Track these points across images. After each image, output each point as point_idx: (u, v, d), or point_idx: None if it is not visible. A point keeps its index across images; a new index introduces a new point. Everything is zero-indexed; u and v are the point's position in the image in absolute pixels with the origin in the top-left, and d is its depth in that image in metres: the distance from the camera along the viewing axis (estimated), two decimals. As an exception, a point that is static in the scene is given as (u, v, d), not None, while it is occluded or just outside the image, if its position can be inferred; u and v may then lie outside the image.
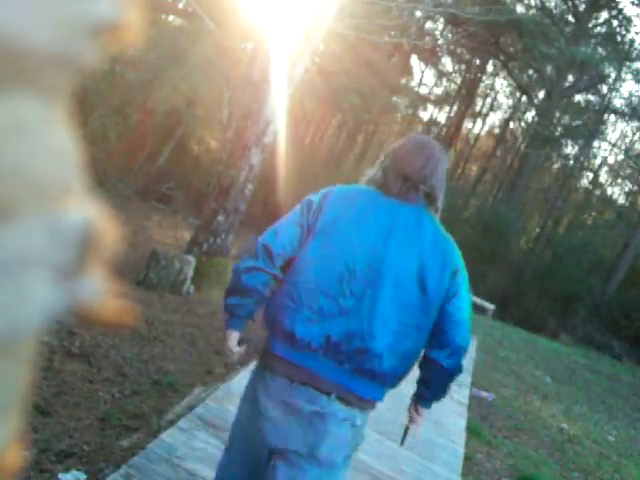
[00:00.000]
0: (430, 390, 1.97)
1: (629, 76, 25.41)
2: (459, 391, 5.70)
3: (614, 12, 23.18)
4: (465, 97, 28.26)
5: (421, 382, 1.99)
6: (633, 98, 25.34)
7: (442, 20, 23.71)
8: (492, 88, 30.87)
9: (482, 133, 32.20)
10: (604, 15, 23.69)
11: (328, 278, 1.76)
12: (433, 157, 1.90)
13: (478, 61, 27.25)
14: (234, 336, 1.90)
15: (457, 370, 1.90)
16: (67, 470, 2.80)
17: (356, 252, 1.77)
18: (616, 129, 31.98)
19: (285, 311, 1.77)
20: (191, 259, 6.74)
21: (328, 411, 1.76)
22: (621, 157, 29.59)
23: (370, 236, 1.79)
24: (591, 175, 29.48)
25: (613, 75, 24.87)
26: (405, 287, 1.78)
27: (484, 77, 29.06)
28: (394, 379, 1.86)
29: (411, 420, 2.06)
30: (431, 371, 1.92)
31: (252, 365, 4.03)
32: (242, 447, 1.89)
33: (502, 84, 30.57)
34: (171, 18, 15.01)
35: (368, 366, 1.77)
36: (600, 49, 22.87)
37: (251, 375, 1.92)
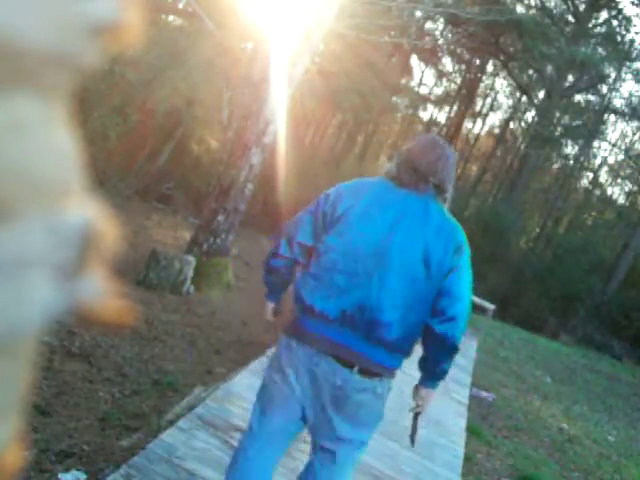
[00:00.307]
0: (429, 364, 2.13)
1: (629, 76, 25.41)
2: (459, 391, 5.70)
3: (614, 12, 23.17)
4: (465, 97, 28.26)
5: (421, 359, 2.16)
6: (633, 98, 25.34)
7: (442, 20, 23.71)
8: (492, 88, 30.88)
9: (482, 133, 32.22)
10: (604, 15, 23.69)
11: (344, 259, 2.01)
12: (443, 154, 2.12)
13: (478, 61, 27.25)
14: (270, 306, 2.32)
15: (450, 339, 2.03)
16: (67, 470, 2.80)
17: (368, 236, 2.02)
18: (616, 129, 31.96)
19: (307, 288, 2.05)
20: (191, 259, 6.74)
21: (350, 384, 2.00)
22: (621, 157, 29.61)
23: (380, 222, 2.03)
24: (591, 175, 29.50)
25: (613, 75, 24.86)
26: (410, 266, 2.01)
27: (484, 77, 29.06)
28: (404, 347, 2.07)
29: (417, 407, 2.23)
30: (428, 341, 2.09)
31: (252, 365, 4.04)
32: (273, 412, 2.11)
33: (502, 84, 30.59)
34: (171, 18, 15.01)
35: (379, 335, 2.00)
36: (600, 49, 22.86)
37: (277, 347, 2.15)
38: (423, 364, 2.16)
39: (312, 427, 2.12)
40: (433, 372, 2.14)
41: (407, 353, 2.11)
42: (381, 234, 2.02)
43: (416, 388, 2.20)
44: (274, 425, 2.12)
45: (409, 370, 5.52)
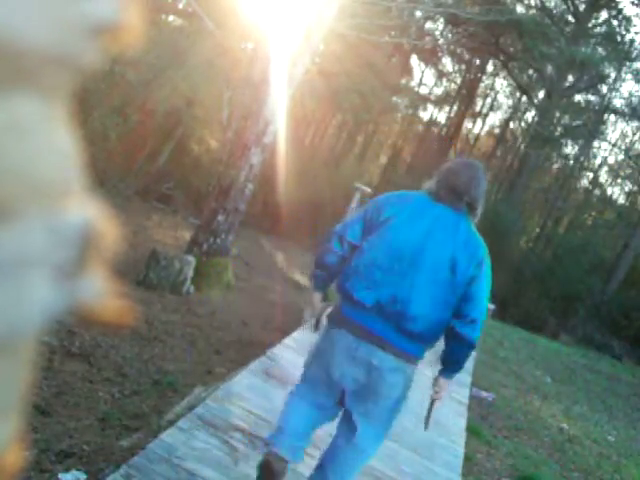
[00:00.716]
0: (449, 359, 2.47)
1: (629, 76, 25.39)
2: (459, 391, 5.70)
3: (614, 12, 23.17)
4: (465, 97, 28.26)
5: (443, 353, 2.48)
6: (633, 98, 25.33)
7: (442, 20, 23.71)
8: (492, 88, 30.86)
9: (482, 133, 32.21)
10: (604, 15, 23.68)
11: (383, 258, 2.35)
12: (476, 176, 2.48)
13: (478, 61, 27.24)
14: (317, 296, 2.61)
15: (470, 338, 2.37)
16: (67, 470, 2.80)
17: (405, 241, 2.37)
18: (616, 129, 31.93)
19: (350, 281, 2.38)
20: (191, 259, 6.74)
21: (383, 364, 2.34)
22: (621, 157, 29.59)
23: (417, 230, 2.38)
24: (591, 175, 29.48)
25: (613, 75, 24.85)
26: (438, 271, 2.34)
27: (484, 77, 29.05)
28: (427, 340, 2.39)
29: (435, 393, 2.55)
30: (450, 339, 2.41)
31: (252, 365, 4.04)
32: (315, 386, 2.47)
33: (502, 84, 30.56)
34: (171, 18, 15.00)
35: (406, 326, 2.32)
36: (600, 49, 22.85)
37: (323, 333, 2.50)
38: (444, 358, 2.48)
39: (347, 403, 2.42)
40: (452, 365, 2.48)
41: (429, 345, 2.43)
42: (416, 240, 2.36)
43: (435, 378, 2.53)
44: (317, 397, 2.47)
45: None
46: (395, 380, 2.37)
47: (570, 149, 26.91)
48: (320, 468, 2.53)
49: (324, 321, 2.55)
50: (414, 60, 27.11)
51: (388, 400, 2.40)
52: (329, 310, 2.55)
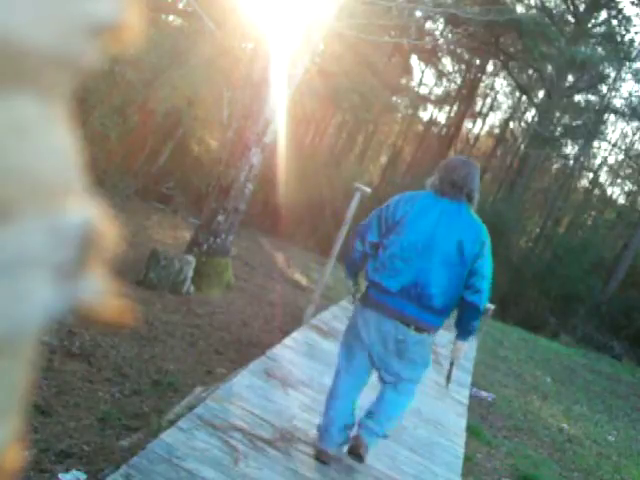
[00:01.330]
0: (462, 323, 3.02)
1: (629, 76, 25.39)
2: (459, 391, 5.70)
3: (614, 12, 23.16)
4: (465, 97, 28.24)
5: (457, 320, 3.05)
6: (633, 98, 25.33)
7: (442, 20, 23.70)
8: (492, 88, 30.85)
9: (482, 133, 32.19)
10: (604, 15, 23.67)
11: (402, 251, 2.90)
12: (471, 171, 3.04)
13: (478, 61, 27.22)
14: (350, 283, 3.27)
15: (478, 305, 2.92)
16: (67, 470, 2.80)
17: (418, 234, 2.89)
18: (616, 129, 31.92)
19: (376, 272, 2.96)
20: (191, 259, 6.74)
21: (408, 338, 2.93)
22: (621, 157, 29.58)
23: (427, 223, 2.90)
24: (591, 175, 29.46)
25: (613, 75, 24.85)
26: (449, 254, 2.88)
27: (484, 77, 29.03)
28: (445, 312, 2.99)
29: (454, 354, 3.13)
30: (462, 307, 2.98)
31: (252, 365, 4.04)
32: (354, 357, 3.08)
33: (502, 84, 30.55)
34: (171, 18, 15.00)
35: (427, 303, 2.89)
36: (600, 49, 22.85)
37: (354, 313, 3.12)
38: (458, 323, 3.04)
39: (379, 368, 3.06)
40: (466, 329, 3.01)
41: (447, 316, 3.03)
42: (428, 231, 2.88)
43: (453, 342, 3.10)
44: (355, 366, 3.07)
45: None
46: (418, 349, 2.96)
47: (570, 149, 26.91)
48: (370, 413, 3.16)
49: (357, 302, 3.19)
50: (414, 60, 27.11)
51: (414, 363, 3.00)
52: (358, 294, 3.22)
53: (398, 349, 2.93)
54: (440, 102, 29.65)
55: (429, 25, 24.97)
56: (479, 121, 31.67)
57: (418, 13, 15.95)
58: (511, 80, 27.17)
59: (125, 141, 12.17)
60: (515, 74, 25.52)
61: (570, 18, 23.42)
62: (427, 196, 2.98)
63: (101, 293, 0.26)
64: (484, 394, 6.93)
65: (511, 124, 29.86)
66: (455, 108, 29.24)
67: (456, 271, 2.87)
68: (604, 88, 25.16)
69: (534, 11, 22.82)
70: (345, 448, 3.15)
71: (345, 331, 3.20)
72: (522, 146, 25.84)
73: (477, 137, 31.63)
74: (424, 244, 2.87)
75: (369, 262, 3.05)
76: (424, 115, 30.67)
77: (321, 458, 3.08)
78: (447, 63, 28.97)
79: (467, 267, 2.87)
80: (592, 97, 25.54)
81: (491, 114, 32.31)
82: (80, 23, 0.23)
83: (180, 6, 14.51)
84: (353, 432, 3.16)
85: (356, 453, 3.11)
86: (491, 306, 9.25)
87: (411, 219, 2.90)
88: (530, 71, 25.45)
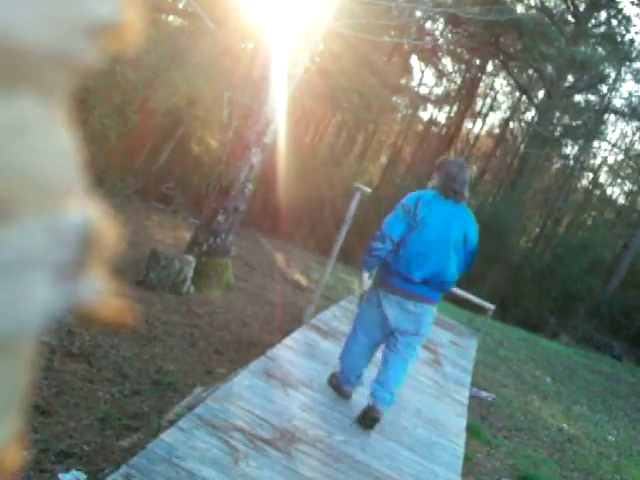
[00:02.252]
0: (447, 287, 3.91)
1: (629, 76, 25.40)
2: (459, 391, 5.70)
3: (614, 12, 23.16)
4: (465, 97, 28.23)
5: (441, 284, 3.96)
6: (633, 98, 25.33)
7: (442, 20, 23.71)
8: (492, 88, 30.84)
9: (482, 133, 32.18)
10: (604, 15, 23.67)
11: (423, 248, 3.62)
12: (466, 177, 3.78)
13: (478, 61, 27.22)
14: (366, 275, 3.99)
15: (471, 263, 3.85)
16: (67, 470, 2.80)
17: (435, 233, 3.62)
18: (616, 129, 31.90)
19: (401, 265, 3.65)
20: (191, 259, 6.74)
21: (423, 310, 3.76)
22: (621, 157, 29.58)
23: (441, 224, 3.64)
24: (591, 175, 29.46)
25: (613, 75, 24.85)
26: (458, 246, 3.70)
27: (484, 77, 29.03)
28: (451, 289, 4.08)
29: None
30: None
31: (252, 365, 4.05)
32: (369, 329, 3.92)
33: (502, 84, 30.54)
34: (171, 18, 15.00)
35: (443, 287, 3.78)
36: (600, 49, 22.85)
37: (372, 292, 3.87)
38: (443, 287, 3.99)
39: (394, 331, 3.80)
40: (465, 270, 3.90)
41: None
42: (442, 231, 3.63)
43: None
44: (372, 333, 3.91)
45: (410, 372, 5.46)
46: (427, 316, 3.80)
47: (570, 149, 26.92)
48: (380, 382, 3.79)
49: (368, 293, 3.91)
50: (414, 60, 27.11)
51: (423, 326, 3.80)
52: (367, 288, 3.95)
53: (415, 318, 3.77)
54: (440, 102, 29.64)
55: (429, 25, 25.00)
56: (479, 121, 31.69)
57: (418, 13, 15.94)
58: (511, 80, 27.18)
59: (125, 141, 12.17)
60: (515, 74, 25.53)
61: (570, 18, 23.42)
62: (437, 199, 3.69)
63: (101, 293, 0.26)
64: (484, 394, 6.93)
65: (511, 124, 29.86)
66: (455, 108, 29.23)
67: (460, 255, 3.71)
68: (604, 88, 25.17)
69: (534, 11, 22.82)
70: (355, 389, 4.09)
71: (365, 308, 3.93)
72: (522, 146, 25.84)
73: (477, 137, 31.63)
74: (441, 241, 3.62)
75: (390, 256, 3.69)
76: (424, 115, 30.69)
77: (343, 394, 4.06)
78: (447, 63, 28.98)
79: (466, 250, 3.75)
80: (592, 97, 25.54)
81: (491, 114, 32.34)
82: (80, 23, 0.23)
83: (180, 6, 14.50)
84: (370, 401, 3.80)
85: (373, 417, 3.73)
86: (491, 306, 9.25)
87: (430, 222, 3.60)
88: (530, 71, 25.45)
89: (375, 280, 3.88)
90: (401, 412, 4.29)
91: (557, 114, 23.87)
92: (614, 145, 28.38)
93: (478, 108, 30.95)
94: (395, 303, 3.73)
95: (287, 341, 4.85)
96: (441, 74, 29.34)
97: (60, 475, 2.74)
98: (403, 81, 24.58)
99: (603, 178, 30.24)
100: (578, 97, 25.23)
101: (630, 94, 26.34)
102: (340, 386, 4.09)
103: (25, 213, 0.23)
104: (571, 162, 27.26)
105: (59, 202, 0.24)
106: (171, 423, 3.05)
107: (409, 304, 3.72)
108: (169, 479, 2.50)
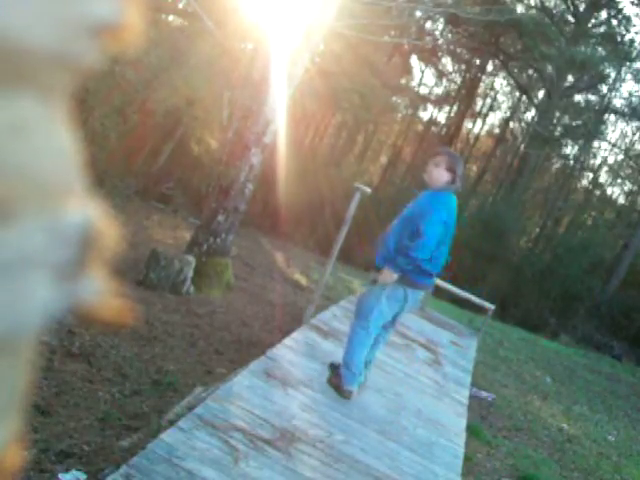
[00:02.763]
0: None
1: (629, 76, 25.41)
2: (459, 391, 5.70)
3: (614, 12, 23.16)
4: (465, 97, 28.24)
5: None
6: (633, 98, 25.34)
7: (442, 20, 23.71)
8: (492, 88, 30.85)
9: (482, 133, 32.17)
10: (604, 15, 23.67)
11: (446, 249, 3.96)
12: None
13: (478, 61, 27.23)
14: (395, 275, 4.02)
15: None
16: (67, 470, 2.80)
17: (452, 230, 3.97)
18: (616, 129, 31.91)
19: (434, 265, 3.91)
20: (191, 259, 6.74)
21: (420, 295, 4.16)
22: (621, 157, 29.58)
23: (455, 220, 3.99)
24: (591, 175, 29.47)
25: (613, 75, 24.86)
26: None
27: (484, 77, 29.03)
28: None
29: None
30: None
31: (252, 365, 4.05)
32: (382, 321, 4.11)
33: (502, 84, 30.55)
34: (171, 18, 15.00)
35: (441, 273, 4.28)
36: (600, 49, 22.85)
37: (398, 287, 3.96)
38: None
39: (395, 318, 4.18)
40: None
41: None
42: (452, 229, 3.97)
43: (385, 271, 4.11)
44: (380, 325, 4.13)
45: (410, 372, 5.44)
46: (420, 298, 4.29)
47: (570, 149, 26.93)
48: (375, 343, 4.25)
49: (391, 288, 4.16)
50: (414, 60, 27.12)
51: (417, 304, 4.57)
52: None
53: (415, 303, 4.23)
54: (440, 102, 29.65)
55: (429, 25, 25.00)
56: (479, 121, 31.69)
57: (418, 13, 15.94)
58: (511, 80, 27.18)
59: (125, 141, 12.17)
60: (515, 74, 25.53)
61: (570, 18, 23.42)
62: (453, 199, 3.96)
63: (101, 293, 0.26)
64: (484, 394, 6.93)
65: (511, 124, 29.87)
66: (455, 108, 29.24)
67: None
68: (604, 88, 25.18)
69: (534, 11, 22.83)
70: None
71: (385, 303, 4.09)
72: (522, 146, 25.85)
73: (477, 137, 31.63)
74: (451, 235, 4.01)
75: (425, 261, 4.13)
76: (424, 115, 30.71)
77: (348, 397, 4.09)
78: (447, 63, 28.99)
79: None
80: (592, 97, 25.55)
81: (491, 114, 32.34)
82: (80, 23, 0.24)
83: (180, 6, 14.51)
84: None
85: (331, 382, 4.23)
86: (491, 306, 9.25)
87: (450, 223, 3.93)
88: (530, 71, 25.46)
89: (401, 278, 3.97)
90: (401, 412, 4.29)
91: (557, 114, 23.88)
92: (614, 145, 28.39)
93: (478, 108, 30.96)
94: (417, 296, 4.09)
95: (287, 341, 4.85)
96: (441, 74, 29.36)
97: (60, 475, 2.74)
98: (403, 81, 24.59)
99: (603, 178, 30.27)
100: (578, 97, 25.24)
101: (630, 94, 26.36)
102: (340, 386, 4.14)
103: (25, 213, 0.23)
104: (571, 162, 27.28)
105: (59, 202, 0.24)
106: (171, 423, 3.05)
107: (420, 294, 4.15)
108: (169, 479, 2.50)
